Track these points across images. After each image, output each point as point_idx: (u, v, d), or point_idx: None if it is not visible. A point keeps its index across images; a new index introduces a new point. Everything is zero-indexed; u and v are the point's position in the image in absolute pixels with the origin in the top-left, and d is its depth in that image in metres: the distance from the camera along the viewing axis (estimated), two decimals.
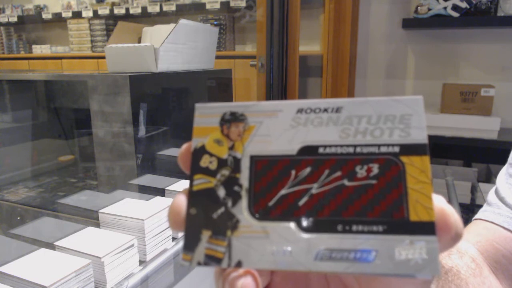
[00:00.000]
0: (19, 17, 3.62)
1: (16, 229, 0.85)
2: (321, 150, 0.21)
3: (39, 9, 3.55)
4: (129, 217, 0.75)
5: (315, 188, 0.20)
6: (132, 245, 0.70)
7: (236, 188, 0.21)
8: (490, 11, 1.93)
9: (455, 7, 1.94)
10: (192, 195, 0.21)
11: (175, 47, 1.07)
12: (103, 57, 1.05)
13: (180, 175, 1.05)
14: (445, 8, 1.95)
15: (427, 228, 0.19)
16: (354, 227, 0.19)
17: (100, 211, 0.78)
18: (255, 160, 0.21)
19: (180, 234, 0.85)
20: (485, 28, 2.07)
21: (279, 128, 0.21)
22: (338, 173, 0.20)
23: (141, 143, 0.95)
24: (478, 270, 0.40)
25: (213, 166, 0.22)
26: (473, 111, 1.93)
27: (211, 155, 0.22)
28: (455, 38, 2.15)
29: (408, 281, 0.21)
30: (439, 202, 0.19)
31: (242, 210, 0.21)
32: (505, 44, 2.06)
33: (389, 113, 0.20)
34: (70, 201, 1.09)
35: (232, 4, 2.68)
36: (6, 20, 3.67)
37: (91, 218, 0.88)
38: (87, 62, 3.20)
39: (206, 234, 0.21)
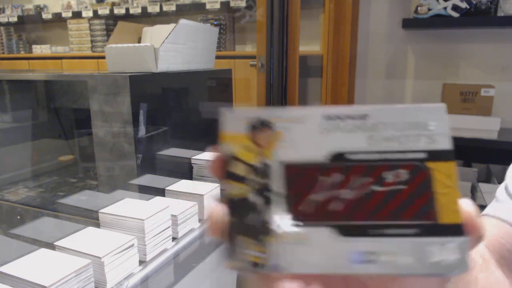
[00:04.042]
0: (19, 17, 3.62)
1: (16, 229, 0.85)
2: (349, 156, 0.21)
3: (39, 9, 3.55)
4: (129, 217, 0.75)
5: (347, 194, 0.21)
6: (132, 245, 0.70)
7: (270, 194, 0.21)
8: (490, 11, 1.93)
9: (455, 7, 1.94)
10: (229, 203, 0.22)
11: (175, 47, 1.07)
12: (103, 57, 1.05)
13: (180, 175, 1.05)
14: (445, 8, 1.95)
15: (456, 230, 0.20)
16: (387, 231, 0.20)
17: (100, 211, 0.78)
18: (287, 167, 0.22)
19: (181, 235, 0.85)
20: (485, 28, 2.07)
21: (307, 134, 0.22)
22: (368, 179, 0.21)
23: (141, 143, 0.95)
24: (485, 265, 0.41)
25: (245, 173, 0.22)
26: (473, 111, 1.93)
27: (241, 162, 0.22)
28: (455, 38, 2.15)
29: (428, 280, 0.22)
30: (466, 205, 0.20)
31: (279, 217, 0.21)
32: (505, 44, 2.06)
33: (414, 121, 0.21)
34: (70, 201, 1.08)
35: (232, 4, 2.68)
36: (6, 20, 3.67)
37: (91, 218, 0.88)
38: (87, 62, 3.20)
39: (246, 241, 0.21)
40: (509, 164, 0.51)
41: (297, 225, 0.21)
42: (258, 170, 0.22)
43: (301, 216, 0.21)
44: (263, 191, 0.21)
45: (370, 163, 0.21)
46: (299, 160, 0.21)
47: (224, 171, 0.22)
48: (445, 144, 0.21)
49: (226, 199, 0.22)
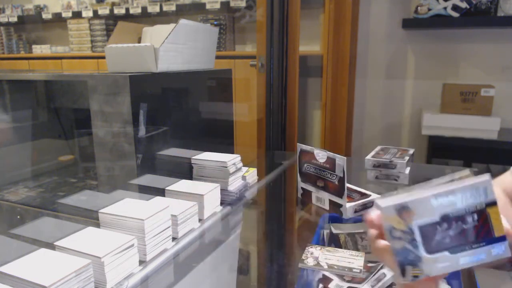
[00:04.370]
0: (19, 17, 3.62)
1: (16, 229, 0.85)
2: (449, 215, 0.41)
3: (39, 9, 3.54)
4: (129, 217, 0.75)
5: (452, 232, 0.41)
6: (132, 245, 0.70)
7: (415, 242, 0.41)
8: (490, 11, 1.93)
9: (455, 7, 1.94)
10: (395, 251, 0.42)
11: (175, 47, 1.07)
12: (103, 57, 1.05)
13: (180, 175, 1.05)
14: (445, 8, 1.95)
15: (502, 238, 0.41)
16: (474, 245, 0.41)
17: (100, 211, 0.78)
18: (421, 228, 0.41)
19: (181, 235, 0.85)
20: (485, 28, 2.07)
21: (427, 208, 0.41)
22: (460, 223, 0.41)
23: (141, 143, 0.95)
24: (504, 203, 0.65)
25: (400, 234, 0.41)
26: (473, 111, 1.93)
27: (397, 229, 0.41)
28: (455, 38, 2.15)
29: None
30: (505, 223, 0.41)
31: (421, 252, 0.42)
32: (505, 44, 2.06)
33: (476, 192, 0.41)
34: (70, 201, 1.09)
35: (232, 4, 2.68)
36: (6, 20, 3.67)
37: (91, 218, 0.88)
38: (87, 62, 3.20)
39: (410, 267, 0.42)
40: (509, 164, 0.53)
41: (430, 253, 0.41)
42: (406, 232, 0.41)
43: (432, 249, 0.41)
44: (412, 241, 0.41)
45: (460, 214, 0.41)
46: (426, 222, 0.41)
47: (390, 235, 0.42)
48: (493, 198, 0.41)
49: (393, 250, 0.42)
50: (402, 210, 0.40)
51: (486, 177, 0.40)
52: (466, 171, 0.42)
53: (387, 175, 1.24)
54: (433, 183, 0.43)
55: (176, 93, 1.12)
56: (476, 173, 0.41)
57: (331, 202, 1.01)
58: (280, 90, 1.76)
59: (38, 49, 3.53)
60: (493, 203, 0.40)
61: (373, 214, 0.43)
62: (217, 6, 2.73)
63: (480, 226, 0.41)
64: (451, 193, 0.40)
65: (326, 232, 0.90)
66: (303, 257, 0.74)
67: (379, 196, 1.03)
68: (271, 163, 1.62)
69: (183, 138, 1.14)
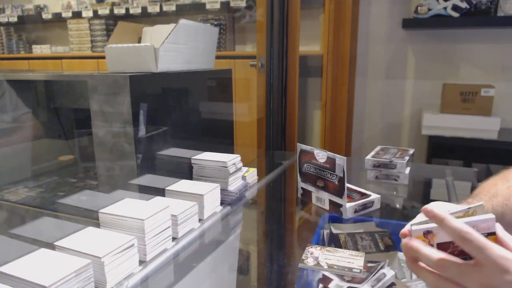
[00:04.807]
0: (19, 17, 3.62)
1: (16, 229, 0.85)
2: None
3: (39, 9, 3.54)
4: (129, 217, 0.75)
5: (459, 248, 0.51)
6: (132, 245, 0.70)
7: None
8: (490, 11, 1.93)
9: (455, 7, 1.94)
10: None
11: (175, 47, 1.07)
12: (103, 57, 1.05)
13: (180, 175, 1.05)
14: (445, 8, 1.95)
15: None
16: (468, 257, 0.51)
17: (100, 211, 0.78)
18: (438, 244, 0.53)
19: (181, 235, 0.85)
20: (485, 28, 2.07)
21: (443, 232, 0.51)
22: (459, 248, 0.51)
23: (141, 143, 0.95)
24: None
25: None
26: (473, 111, 1.93)
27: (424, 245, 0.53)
28: (455, 38, 2.15)
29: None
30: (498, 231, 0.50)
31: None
32: (505, 44, 2.06)
33: (481, 225, 0.50)
34: (70, 201, 1.09)
35: (232, 4, 2.68)
36: (6, 20, 3.67)
37: (91, 218, 0.88)
38: (87, 62, 3.20)
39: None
40: (509, 164, 0.53)
41: None
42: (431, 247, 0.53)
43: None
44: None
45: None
46: (443, 241, 0.52)
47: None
48: (493, 229, 0.50)
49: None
50: (427, 233, 0.53)
51: (490, 215, 0.50)
52: (480, 205, 0.53)
53: (387, 175, 1.24)
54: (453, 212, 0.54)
55: (176, 93, 1.12)
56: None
57: (331, 202, 1.02)
58: (280, 90, 1.76)
59: (38, 49, 3.53)
60: (493, 234, 0.50)
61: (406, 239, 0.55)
62: (217, 6, 2.73)
63: None
64: (470, 224, 0.50)
65: (326, 232, 0.90)
66: (303, 257, 0.74)
67: (378, 196, 1.03)
68: (271, 163, 1.62)
69: (183, 138, 1.14)
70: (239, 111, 1.74)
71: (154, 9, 2.93)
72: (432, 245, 0.53)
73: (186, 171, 1.09)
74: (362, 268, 0.70)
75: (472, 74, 2.15)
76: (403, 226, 0.57)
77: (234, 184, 1.07)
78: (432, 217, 0.50)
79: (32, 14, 3.57)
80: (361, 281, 0.69)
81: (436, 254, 0.49)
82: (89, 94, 0.95)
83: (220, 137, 1.41)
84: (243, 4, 2.66)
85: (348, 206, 0.97)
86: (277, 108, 1.77)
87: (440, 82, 2.16)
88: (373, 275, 0.69)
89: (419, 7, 2.01)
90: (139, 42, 1.26)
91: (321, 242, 0.87)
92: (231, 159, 1.05)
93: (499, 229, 0.50)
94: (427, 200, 1.01)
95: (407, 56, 2.27)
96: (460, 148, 2.04)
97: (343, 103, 2.18)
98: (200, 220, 0.94)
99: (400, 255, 0.78)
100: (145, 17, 3.07)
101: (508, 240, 0.48)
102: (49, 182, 1.26)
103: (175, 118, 1.10)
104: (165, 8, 2.89)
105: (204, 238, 0.90)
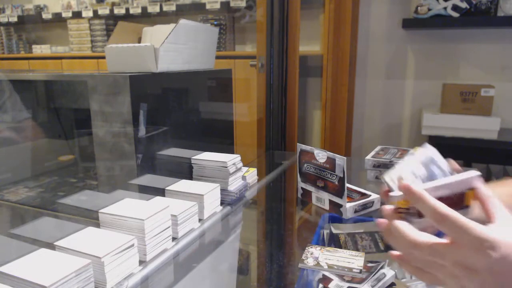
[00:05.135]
0: (19, 17, 3.62)
1: (16, 229, 0.85)
2: (442, 196, 0.50)
3: (39, 9, 3.55)
4: (129, 217, 0.75)
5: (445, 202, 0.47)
6: (132, 245, 0.70)
7: (415, 216, 0.52)
8: (490, 11, 1.93)
9: (455, 7, 1.94)
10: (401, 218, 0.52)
11: (175, 47, 1.07)
12: (103, 57, 1.05)
13: (180, 175, 1.05)
14: (445, 8, 1.95)
15: (469, 206, 0.51)
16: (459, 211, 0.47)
17: (100, 211, 0.78)
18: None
19: (181, 235, 0.85)
20: (485, 28, 2.07)
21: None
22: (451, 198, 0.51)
23: (141, 143, 0.95)
24: None
25: (404, 211, 0.52)
26: (473, 111, 1.93)
27: (402, 208, 0.52)
28: (455, 38, 2.15)
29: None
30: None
31: (415, 219, 0.52)
32: (505, 44, 2.06)
33: (465, 182, 0.51)
34: (70, 201, 1.09)
35: (232, 4, 2.68)
36: (6, 20, 3.67)
37: (91, 218, 0.88)
38: (87, 62, 3.20)
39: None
40: (509, 164, 0.54)
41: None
42: (409, 209, 0.51)
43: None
44: (412, 214, 0.51)
45: (452, 194, 0.51)
46: None
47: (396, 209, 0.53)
48: (473, 186, 0.50)
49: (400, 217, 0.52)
50: (403, 196, 0.52)
51: (476, 173, 0.50)
52: (416, 148, 0.58)
53: None
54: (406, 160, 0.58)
55: (176, 93, 1.12)
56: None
57: (331, 202, 1.02)
58: (280, 90, 1.76)
59: (38, 49, 3.53)
60: (471, 189, 0.50)
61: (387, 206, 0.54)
62: (217, 6, 2.73)
63: (462, 200, 0.52)
64: (448, 186, 0.51)
65: (326, 232, 0.90)
66: (303, 257, 0.74)
67: (378, 196, 1.03)
68: (271, 163, 1.62)
69: (183, 138, 1.14)
70: (239, 111, 1.74)
71: (154, 9, 2.93)
72: (413, 207, 0.52)
73: (186, 171, 1.09)
74: (362, 268, 0.70)
75: (472, 74, 2.15)
76: None
77: (234, 184, 1.07)
78: (409, 194, 0.49)
79: (32, 14, 3.57)
80: (361, 281, 0.69)
81: (410, 235, 0.47)
82: (89, 94, 0.95)
83: (220, 137, 1.41)
84: (243, 4, 2.66)
85: (348, 206, 0.97)
86: (277, 108, 1.77)
87: (440, 82, 2.16)
88: (373, 275, 0.69)
89: (419, 7, 2.01)
90: (139, 42, 1.26)
91: (321, 242, 0.87)
92: (231, 159, 1.05)
93: (483, 188, 0.49)
94: None
95: (407, 56, 2.27)
96: (460, 148, 2.04)
97: (343, 103, 2.18)
98: (200, 220, 0.94)
99: None
100: (145, 17, 3.07)
101: (487, 200, 0.48)
102: (49, 182, 1.26)
103: (175, 118, 1.10)
104: (165, 8, 2.89)
105: (204, 238, 0.90)
